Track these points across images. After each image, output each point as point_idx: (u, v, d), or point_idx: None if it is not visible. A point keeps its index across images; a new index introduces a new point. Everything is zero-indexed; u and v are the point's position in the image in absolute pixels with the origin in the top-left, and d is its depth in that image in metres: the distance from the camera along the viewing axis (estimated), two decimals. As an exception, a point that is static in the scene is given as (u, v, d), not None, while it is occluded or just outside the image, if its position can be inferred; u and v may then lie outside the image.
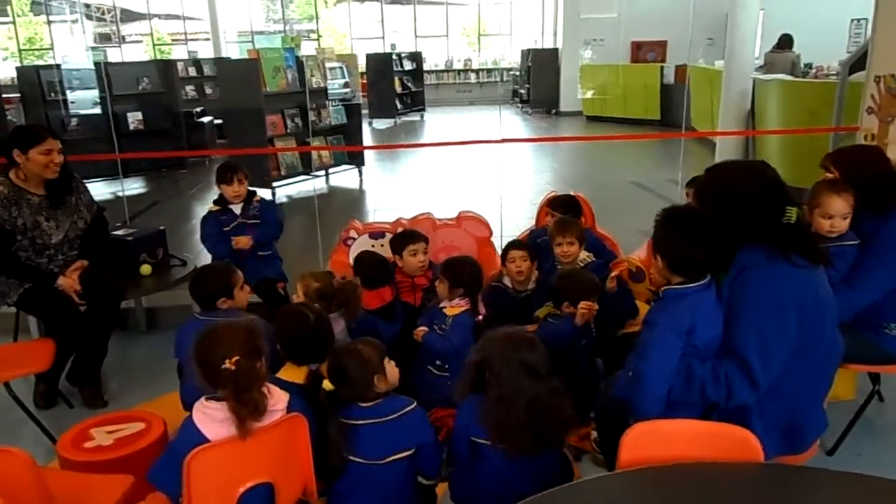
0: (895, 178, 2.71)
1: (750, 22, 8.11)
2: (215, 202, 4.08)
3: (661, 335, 2.04)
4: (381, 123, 14.64)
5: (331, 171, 8.93)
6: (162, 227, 4.09)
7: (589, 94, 13.87)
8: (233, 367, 1.82)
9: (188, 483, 1.82)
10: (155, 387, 3.76)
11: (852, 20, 11.19)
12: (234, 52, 17.74)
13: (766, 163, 2.20)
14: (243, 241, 3.92)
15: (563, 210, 4.02)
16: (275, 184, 7.92)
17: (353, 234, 4.25)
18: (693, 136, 10.63)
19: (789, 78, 7.81)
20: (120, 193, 8.97)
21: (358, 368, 2.10)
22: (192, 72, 11.63)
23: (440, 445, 2.25)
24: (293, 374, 2.25)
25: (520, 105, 17.03)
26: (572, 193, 4.25)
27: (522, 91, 16.70)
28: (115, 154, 8.29)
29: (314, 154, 8.37)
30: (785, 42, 9.35)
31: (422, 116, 15.84)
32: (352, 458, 2.07)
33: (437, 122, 15.43)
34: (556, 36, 17.34)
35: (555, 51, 16.08)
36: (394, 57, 15.01)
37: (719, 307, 2.06)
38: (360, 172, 9.08)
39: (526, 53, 16.56)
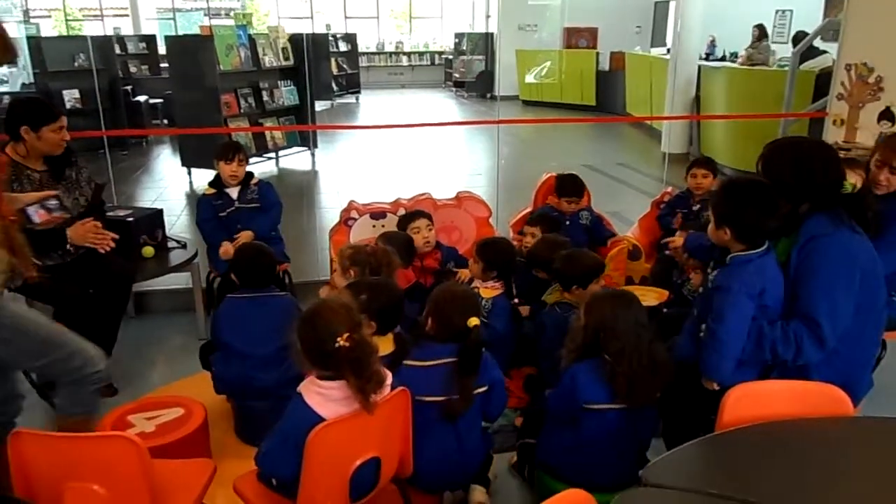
0: None
1: (696, 11, 8.42)
2: (210, 184, 3.95)
3: (736, 298, 2.16)
4: (318, 105, 14.36)
5: (281, 153, 8.74)
6: (160, 208, 3.94)
7: (534, 79, 14.05)
8: (347, 344, 1.80)
9: (308, 464, 1.80)
10: (160, 372, 3.66)
11: (777, 11, 11.75)
12: (153, 28, 16.98)
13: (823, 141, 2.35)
14: (244, 236, 3.77)
15: (569, 188, 4.13)
16: (229, 165, 7.67)
17: (353, 214, 4.21)
18: (650, 120, 10.93)
19: (735, 65, 8.18)
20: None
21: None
22: (131, 48, 11.06)
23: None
24: (382, 345, 2.25)
25: (454, 89, 17.07)
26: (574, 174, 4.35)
27: (457, 75, 16.74)
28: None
29: (267, 135, 8.17)
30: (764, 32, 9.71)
31: (357, 99, 15.66)
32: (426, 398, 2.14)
33: (373, 104, 15.29)
34: (488, 20, 17.48)
35: (489, 35, 16.19)
36: (329, 38, 14.75)
37: (779, 271, 2.21)
38: (313, 154, 8.92)
39: (460, 37, 16.60)
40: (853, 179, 2.77)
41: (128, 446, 1.75)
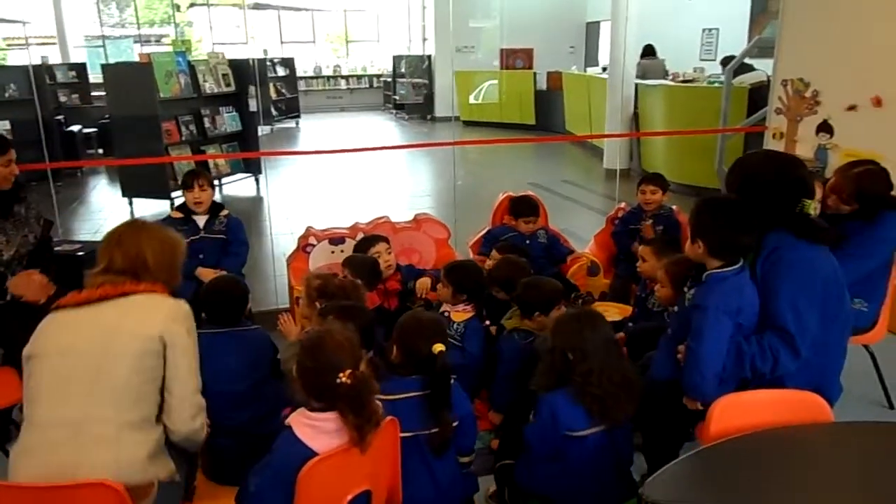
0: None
1: (630, 33, 8.67)
2: (178, 207, 3.86)
3: (714, 316, 2.19)
4: (258, 130, 14.18)
5: (224, 180, 8.57)
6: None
7: (476, 100, 14.20)
8: (349, 381, 1.76)
9: (300, 500, 1.74)
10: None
11: (703, 30, 12.21)
12: (81, 56, 16.52)
13: (795, 157, 2.45)
14: (207, 273, 3.66)
15: (525, 209, 4.17)
16: (173, 194, 7.49)
17: (312, 240, 4.16)
18: (600, 138, 11.12)
19: (671, 83, 8.43)
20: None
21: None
22: (60, 77, 10.69)
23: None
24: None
25: (394, 111, 17.10)
26: (529, 194, 4.41)
27: (396, 97, 16.78)
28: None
29: (210, 162, 8.00)
30: (650, 51, 10.13)
31: (296, 123, 15.51)
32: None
33: (313, 128, 15.16)
34: (425, 43, 17.61)
35: (427, 57, 16.31)
36: (268, 63, 14.60)
37: (755, 288, 2.26)
38: (258, 181, 8.78)
39: (398, 60, 16.66)
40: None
41: (106, 493, 1.67)
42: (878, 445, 1.84)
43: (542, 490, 2.28)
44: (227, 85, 8.23)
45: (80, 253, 3.56)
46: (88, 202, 8.50)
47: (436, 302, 3.43)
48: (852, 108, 4.16)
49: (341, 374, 1.76)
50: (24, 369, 1.90)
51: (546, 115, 13.58)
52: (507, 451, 2.58)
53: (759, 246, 2.31)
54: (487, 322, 3.24)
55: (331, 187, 9.06)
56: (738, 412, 1.94)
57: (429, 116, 15.95)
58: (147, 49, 18.31)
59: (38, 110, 7.05)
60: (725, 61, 8.34)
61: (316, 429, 1.79)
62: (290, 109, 15.44)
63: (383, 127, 15.65)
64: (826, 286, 2.26)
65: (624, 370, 2.21)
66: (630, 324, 3.38)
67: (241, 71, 8.61)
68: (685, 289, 2.41)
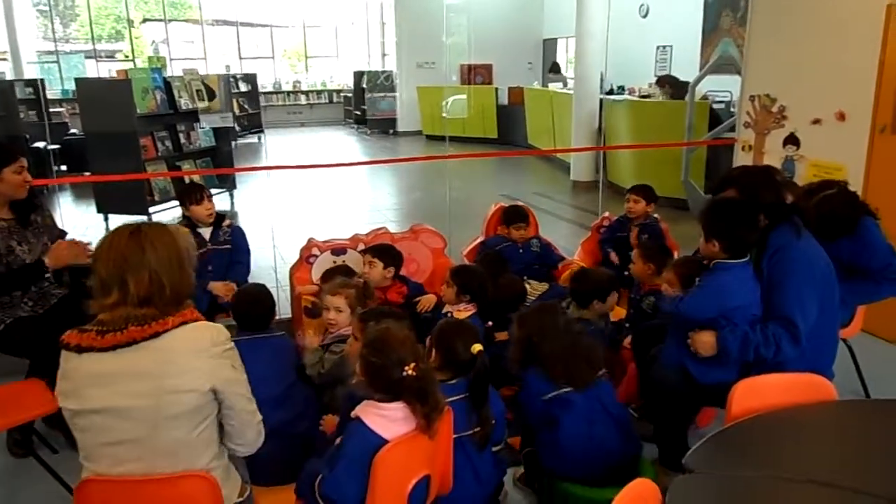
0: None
1: (596, 49, 9.01)
2: (183, 223, 3.94)
3: (711, 289, 2.57)
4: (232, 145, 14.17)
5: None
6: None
7: (448, 115, 14.44)
8: (414, 374, 1.92)
9: (374, 485, 1.90)
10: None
11: (657, 47, 12.71)
12: (33, 72, 16.20)
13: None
14: (221, 289, 3.77)
15: (515, 216, 4.38)
16: (151, 209, 7.50)
17: (314, 251, 4.28)
18: (574, 152, 11.44)
19: (636, 98, 8.79)
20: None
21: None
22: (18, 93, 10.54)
23: None
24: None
25: (355, 126, 17.22)
26: (520, 203, 4.63)
27: (357, 112, 16.91)
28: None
29: (186, 178, 8.02)
30: (557, 68, 11.01)
31: (259, 139, 15.51)
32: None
33: (276, 143, 15.17)
34: (385, 58, 17.82)
35: (389, 73, 16.50)
36: (230, 79, 14.59)
37: (755, 279, 2.53)
38: (232, 196, 8.82)
39: (359, 75, 16.81)
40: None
41: (202, 485, 1.79)
42: (879, 420, 2.10)
43: (563, 466, 2.50)
44: (202, 100, 8.27)
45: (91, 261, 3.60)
46: (60, 220, 8.39)
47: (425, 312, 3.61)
48: (817, 121, 4.50)
49: (407, 368, 1.92)
50: (67, 419, 1.80)
51: (508, 130, 13.90)
52: (528, 440, 2.79)
53: (764, 244, 2.57)
54: (490, 323, 3.44)
55: (300, 201, 9.16)
56: (755, 394, 2.16)
57: (391, 131, 16.13)
58: (103, 65, 18.13)
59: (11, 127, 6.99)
60: (660, 81, 8.87)
61: (386, 418, 1.95)
62: (253, 125, 15.43)
63: (346, 142, 15.77)
64: (823, 279, 2.54)
65: (583, 345, 2.63)
66: (627, 324, 3.61)
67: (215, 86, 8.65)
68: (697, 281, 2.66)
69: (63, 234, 3.52)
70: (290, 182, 10.14)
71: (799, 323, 2.44)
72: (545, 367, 2.55)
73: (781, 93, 4.77)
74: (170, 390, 1.72)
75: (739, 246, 2.51)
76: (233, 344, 1.88)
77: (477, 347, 2.31)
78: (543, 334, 2.60)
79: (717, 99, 8.40)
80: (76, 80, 7.88)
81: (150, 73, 7.56)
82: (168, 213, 7.99)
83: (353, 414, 2.00)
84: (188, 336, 1.77)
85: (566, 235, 6.65)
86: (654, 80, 12.05)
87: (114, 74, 16.69)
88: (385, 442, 1.92)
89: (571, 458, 2.47)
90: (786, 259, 2.50)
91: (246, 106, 15.26)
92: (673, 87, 8.01)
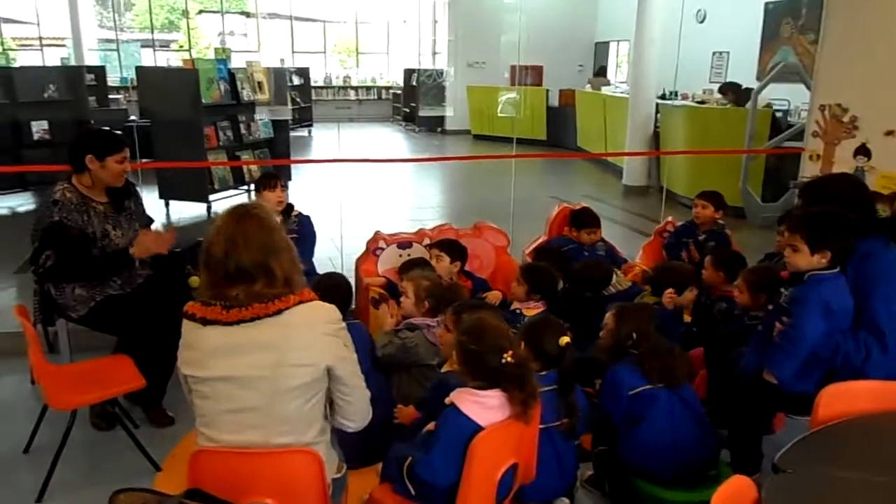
0: None
1: (653, 53, 8.97)
2: None
3: (813, 310, 2.50)
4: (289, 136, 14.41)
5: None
6: (200, 239, 3.98)
7: (504, 114, 14.55)
8: (513, 361, 1.98)
9: (468, 470, 1.96)
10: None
11: (714, 53, 12.58)
12: (94, 59, 16.65)
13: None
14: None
15: (588, 220, 4.41)
16: (210, 197, 7.69)
17: (381, 244, 4.38)
18: (627, 156, 11.44)
19: (694, 104, 8.73)
20: (20, 209, 8.30)
21: None
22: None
23: None
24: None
25: (403, 123, 17.36)
26: (584, 205, 4.66)
27: (406, 110, 17.04)
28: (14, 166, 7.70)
29: (244, 169, 8.20)
30: (603, 71, 10.95)
31: (309, 132, 15.74)
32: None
33: (325, 137, 15.39)
34: (435, 57, 17.92)
35: (439, 71, 16.59)
36: (286, 72, 14.84)
37: (848, 289, 2.53)
38: (285, 186, 8.95)
39: (409, 73, 16.92)
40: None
41: (309, 460, 1.87)
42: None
43: (646, 465, 2.53)
44: (262, 92, 8.45)
45: (177, 249, 3.73)
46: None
47: None
48: (890, 133, 4.44)
49: (506, 355, 1.98)
50: (190, 385, 1.89)
51: (557, 132, 13.88)
52: (602, 437, 2.82)
53: (851, 251, 2.58)
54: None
55: (350, 195, 9.26)
56: (840, 400, 2.17)
57: (439, 129, 16.22)
58: (160, 54, 18.56)
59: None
60: (723, 88, 8.79)
61: (481, 405, 2.01)
62: (304, 118, 15.65)
63: (395, 138, 15.91)
64: None
65: (672, 347, 2.74)
66: (695, 328, 3.62)
67: (274, 79, 8.82)
68: (782, 289, 2.66)
69: (150, 220, 3.66)
70: (339, 175, 10.27)
71: (887, 331, 2.45)
72: (641, 361, 2.60)
73: (853, 103, 4.71)
74: (289, 363, 1.80)
75: (843, 257, 2.52)
76: (344, 324, 1.96)
77: (565, 340, 2.37)
78: (644, 331, 2.68)
79: (776, 108, 8.32)
80: (137, 68, 8.10)
81: (216, 63, 7.73)
82: (225, 201, 8.18)
83: (447, 400, 2.06)
84: (307, 314, 1.84)
85: (618, 239, 6.63)
86: (708, 86, 12.02)
87: (172, 63, 17.23)
88: (480, 428, 1.97)
89: (654, 455, 2.51)
90: (874, 267, 2.51)
91: (298, 99, 15.48)
92: (736, 93, 7.94)
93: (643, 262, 4.71)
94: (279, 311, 1.80)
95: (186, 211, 7.78)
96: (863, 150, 4.65)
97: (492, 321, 2.10)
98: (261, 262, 1.82)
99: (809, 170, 5.04)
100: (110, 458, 3.12)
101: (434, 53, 17.83)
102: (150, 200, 8.28)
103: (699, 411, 2.64)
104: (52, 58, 16.29)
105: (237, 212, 1.91)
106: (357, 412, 1.99)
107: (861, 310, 2.50)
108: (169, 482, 2.77)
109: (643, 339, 2.68)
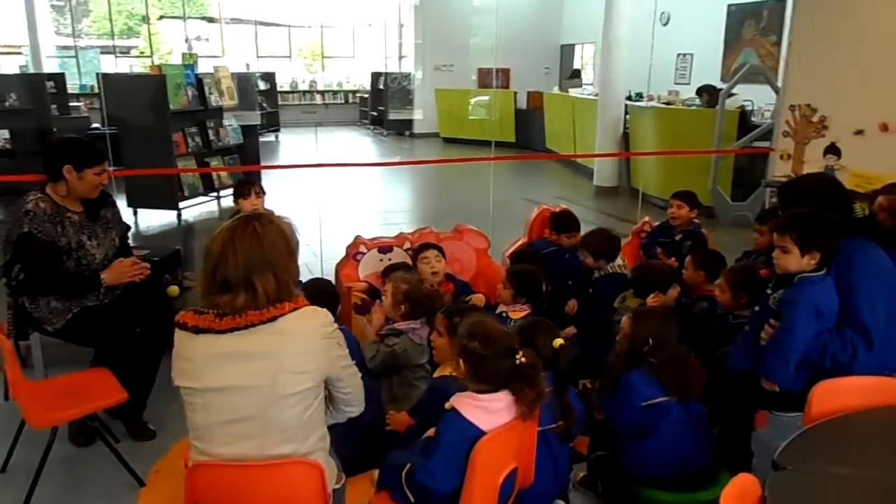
0: None
1: (621, 55, 9.06)
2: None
3: (804, 313, 2.52)
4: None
5: (223, 192, 8.64)
6: (177, 247, 3.92)
7: (475, 116, 14.55)
8: (526, 360, 1.98)
9: (471, 476, 1.94)
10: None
11: (678, 55, 12.75)
12: (53, 66, 16.30)
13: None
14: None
15: (568, 224, 4.42)
16: (180, 204, 7.57)
17: (361, 248, 4.34)
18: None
19: (662, 105, 8.84)
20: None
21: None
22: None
23: None
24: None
25: (371, 127, 17.29)
26: (563, 207, 4.68)
27: (374, 113, 16.97)
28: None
29: (213, 175, 8.09)
30: (577, 73, 11.65)
31: (276, 137, 15.58)
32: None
33: (292, 142, 15.25)
34: (402, 60, 17.88)
35: (407, 74, 16.56)
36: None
37: (834, 290, 2.57)
38: (263, 193, 8.84)
39: (376, 76, 16.86)
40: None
41: (310, 470, 1.83)
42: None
43: (644, 469, 2.54)
44: (231, 98, 8.34)
45: (155, 258, 3.66)
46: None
47: None
48: (860, 132, 4.55)
49: (518, 356, 1.98)
50: (184, 397, 1.84)
51: (526, 133, 13.95)
52: (600, 442, 2.82)
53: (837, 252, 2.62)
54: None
55: (319, 200, 9.16)
56: (833, 397, 2.21)
57: (407, 133, 16.19)
58: (121, 60, 18.20)
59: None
60: (700, 90, 8.92)
61: (484, 409, 1.99)
62: (270, 123, 15.50)
63: (363, 142, 15.83)
64: (891, 284, 2.58)
65: (689, 357, 2.68)
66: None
67: (241, 84, 8.72)
68: (768, 291, 2.69)
69: (128, 227, 3.57)
70: (314, 181, 10.18)
71: (872, 328, 2.49)
72: (657, 371, 2.55)
73: (822, 103, 4.82)
74: (286, 370, 1.77)
75: (831, 256, 2.55)
76: (337, 326, 1.95)
77: (559, 342, 2.36)
78: (663, 339, 2.60)
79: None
80: (101, 75, 7.89)
81: (183, 69, 7.61)
82: (196, 208, 8.07)
83: (448, 405, 2.04)
84: (301, 320, 1.82)
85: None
86: (673, 87, 12.18)
87: (135, 69, 16.92)
88: (482, 433, 1.96)
89: (661, 463, 2.50)
90: (855, 265, 2.55)
91: (265, 104, 15.32)
92: (710, 95, 8.06)
93: (623, 261, 4.75)
94: (273, 318, 1.78)
95: (156, 219, 7.65)
96: (832, 149, 4.76)
97: (495, 324, 2.09)
98: (244, 278, 1.78)
99: (780, 169, 5.13)
100: (92, 474, 3.05)
101: (401, 57, 17.79)
102: (119, 209, 8.15)
103: (707, 426, 2.64)
104: (10, 66, 15.92)
105: (239, 222, 1.87)
106: (355, 399, 2.03)
107: (845, 309, 2.54)
108: (153, 497, 2.75)
109: (661, 346, 2.59)
